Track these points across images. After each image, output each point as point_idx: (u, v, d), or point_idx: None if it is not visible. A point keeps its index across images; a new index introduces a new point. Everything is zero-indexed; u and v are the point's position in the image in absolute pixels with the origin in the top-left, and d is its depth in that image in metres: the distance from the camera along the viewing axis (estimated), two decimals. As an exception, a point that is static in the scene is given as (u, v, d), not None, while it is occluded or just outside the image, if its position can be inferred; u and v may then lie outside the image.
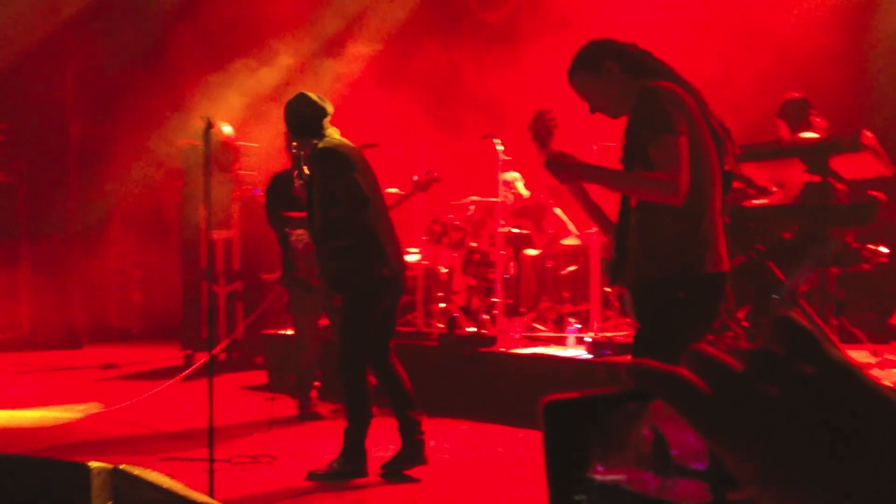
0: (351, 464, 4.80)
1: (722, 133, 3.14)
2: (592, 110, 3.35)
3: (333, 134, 4.78)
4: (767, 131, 6.04)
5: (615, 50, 3.24)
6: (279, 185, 6.48)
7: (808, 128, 5.72)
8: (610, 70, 3.22)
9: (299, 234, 5.30)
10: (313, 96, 4.83)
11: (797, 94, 5.97)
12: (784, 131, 5.86)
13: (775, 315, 0.53)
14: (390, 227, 4.91)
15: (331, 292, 6.43)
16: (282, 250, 6.61)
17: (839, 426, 0.48)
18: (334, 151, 4.63)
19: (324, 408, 6.66)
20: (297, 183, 5.06)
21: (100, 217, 11.97)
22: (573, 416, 0.52)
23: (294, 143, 4.92)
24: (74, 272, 11.61)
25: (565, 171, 3.18)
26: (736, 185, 5.57)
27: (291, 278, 6.59)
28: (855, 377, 0.49)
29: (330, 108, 4.83)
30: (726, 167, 3.15)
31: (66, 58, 11.46)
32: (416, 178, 6.30)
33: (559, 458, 0.52)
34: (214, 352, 8.06)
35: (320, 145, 4.66)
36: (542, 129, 3.39)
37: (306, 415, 6.56)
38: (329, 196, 4.63)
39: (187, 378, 7.56)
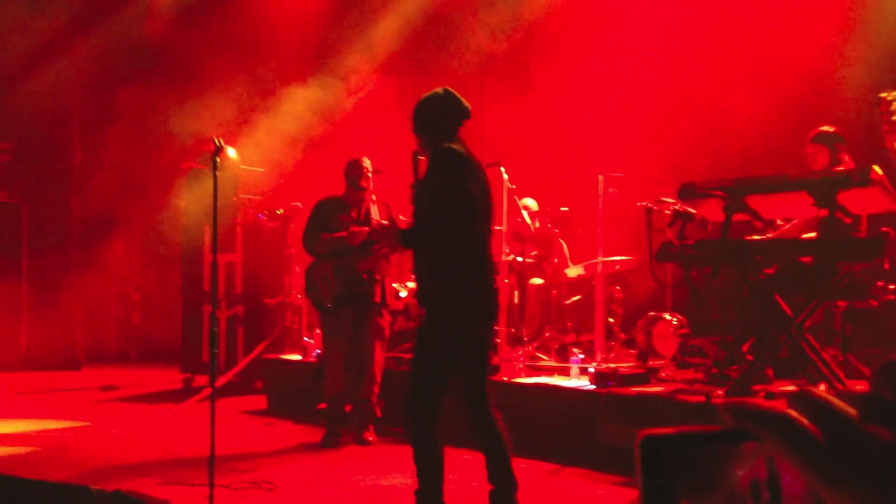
0: None
1: None
2: None
3: (460, 143, 4.35)
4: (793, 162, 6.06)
5: None
6: (324, 210, 6.53)
7: (840, 163, 5.74)
8: None
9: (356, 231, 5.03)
10: (456, 95, 4.38)
11: (831, 129, 5.98)
12: (824, 156, 5.85)
13: (884, 361, 0.51)
14: (491, 255, 4.43)
15: (359, 317, 6.40)
16: (305, 273, 6.67)
17: None
18: (456, 155, 4.18)
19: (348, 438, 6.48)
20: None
21: (101, 239, 11.95)
22: (669, 453, 0.51)
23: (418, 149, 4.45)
24: (74, 293, 11.57)
25: None
26: (743, 217, 5.62)
27: (311, 300, 6.63)
28: None
29: (467, 112, 4.38)
30: None
31: (71, 77, 11.49)
32: None
33: (653, 494, 0.50)
34: (223, 380, 8.06)
35: (442, 147, 4.23)
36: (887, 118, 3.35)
37: (330, 443, 6.36)
38: (438, 200, 4.16)
39: (185, 402, 7.51)
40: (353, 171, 6.57)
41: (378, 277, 6.45)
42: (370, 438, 6.42)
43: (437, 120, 4.33)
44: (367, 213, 6.49)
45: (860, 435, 0.49)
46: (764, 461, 0.52)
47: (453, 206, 4.09)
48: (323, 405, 6.54)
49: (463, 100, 4.38)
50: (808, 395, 0.51)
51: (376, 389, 6.47)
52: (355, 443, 6.41)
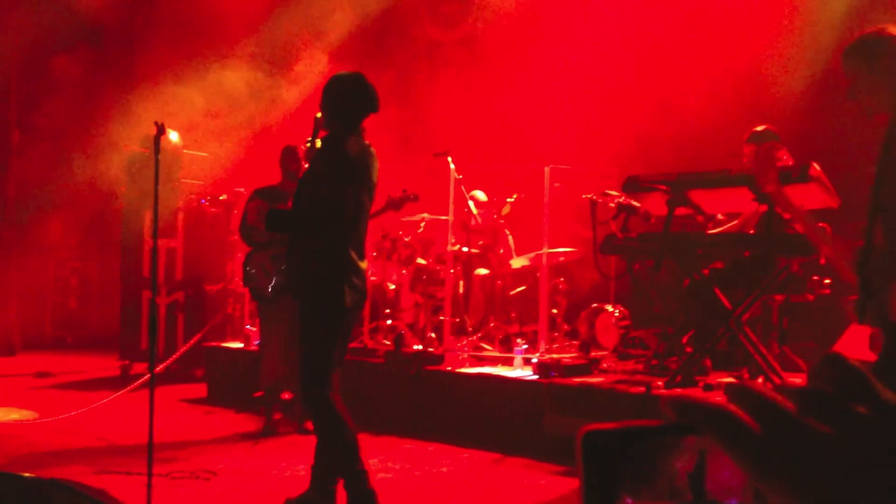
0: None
1: None
2: (849, 97, 3.06)
3: (361, 133, 4.31)
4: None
5: None
6: (261, 199, 6.42)
7: (778, 160, 5.83)
8: (888, 69, 2.94)
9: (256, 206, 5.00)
10: (367, 86, 4.29)
11: (765, 127, 6.09)
12: (752, 157, 5.96)
13: (824, 354, 0.52)
14: (364, 248, 4.40)
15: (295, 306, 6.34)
16: (243, 262, 6.59)
17: None
18: (345, 156, 4.15)
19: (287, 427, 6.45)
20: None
21: (38, 222, 11.66)
22: (611, 447, 0.51)
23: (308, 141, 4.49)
24: (10, 276, 11.27)
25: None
26: (685, 211, 5.69)
27: (249, 289, 6.54)
28: None
29: (375, 107, 4.32)
30: None
31: (8, 51, 11.15)
32: (390, 195, 6.31)
33: (595, 489, 0.50)
34: (162, 367, 7.93)
35: (337, 141, 4.21)
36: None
37: (269, 432, 6.31)
38: (316, 196, 4.19)
39: (123, 389, 7.37)
40: (289, 159, 6.54)
41: None
42: (311, 427, 6.36)
43: (343, 105, 4.28)
44: None
45: (798, 428, 0.49)
46: (695, 454, 0.52)
47: (327, 206, 4.11)
48: (259, 393, 6.48)
49: (373, 92, 4.30)
50: (745, 388, 0.51)
51: None
52: (297, 432, 6.36)
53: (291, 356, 6.37)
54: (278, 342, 6.43)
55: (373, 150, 4.37)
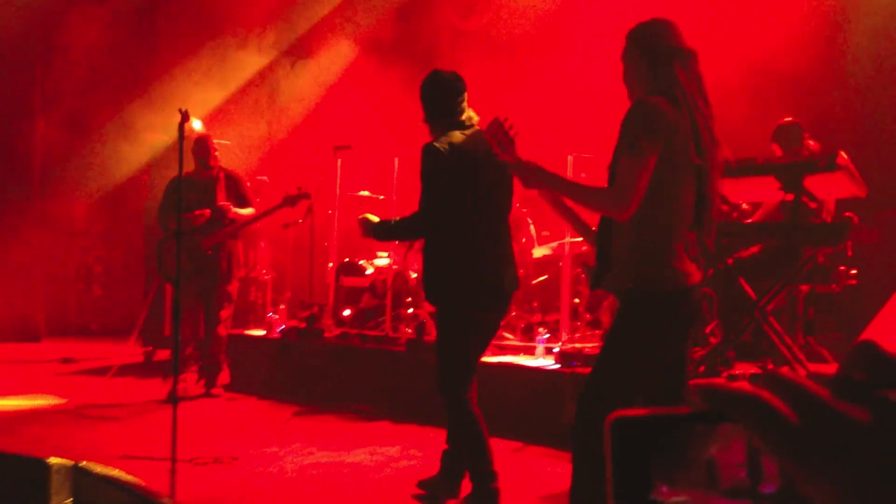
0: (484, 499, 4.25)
1: (712, 152, 3.22)
2: (624, 80, 3.36)
3: (466, 122, 4.24)
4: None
5: (655, 42, 3.20)
6: (176, 188, 6.68)
7: (804, 150, 5.79)
8: (637, 58, 3.24)
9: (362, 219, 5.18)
10: (444, 75, 4.26)
11: (790, 119, 6.05)
12: (779, 154, 5.94)
13: (856, 342, 0.51)
14: (495, 239, 4.26)
15: (209, 288, 7.05)
16: (157, 248, 7.01)
17: None
18: (433, 151, 4.11)
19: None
20: None
21: (63, 208, 11.75)
22: (641, 434, 0.50)
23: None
24: (35, 264, 11.37)
25: (530, 176, 3.25)
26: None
27: (163, 274, 7.07)
28: None
29: (461, 88, 4.25)
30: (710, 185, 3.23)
31: (34, 33, 11.22)
32: (287, 192, 6.98)
33: (624, 476, 0.50)
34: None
35: (428, 144, 4.16)
36: (500, 136, 3.37)
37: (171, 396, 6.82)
38: (422, 194, 4.22)
39: (148, 376, 7.44)
40: (201, 151, 7.06)
41: (225, 252, 7.04)
42: (216, 392, 7.14)
43: (427, 107, 4.30)
44: (214, 190, 7.08)
45: (834, 415, 0.48)
46: (742, 442, 0.51)
47: (423, 208, 4.17)
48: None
49: (444, 82, 4.25)
50: (779, 375, 0.50)
51: (223, 348, 7.18)
52: (205, 396, 7.10)
53: (200, 332, 7.18)
54: (189, 320, 7.01)
55: (479, 135, 4.18)
